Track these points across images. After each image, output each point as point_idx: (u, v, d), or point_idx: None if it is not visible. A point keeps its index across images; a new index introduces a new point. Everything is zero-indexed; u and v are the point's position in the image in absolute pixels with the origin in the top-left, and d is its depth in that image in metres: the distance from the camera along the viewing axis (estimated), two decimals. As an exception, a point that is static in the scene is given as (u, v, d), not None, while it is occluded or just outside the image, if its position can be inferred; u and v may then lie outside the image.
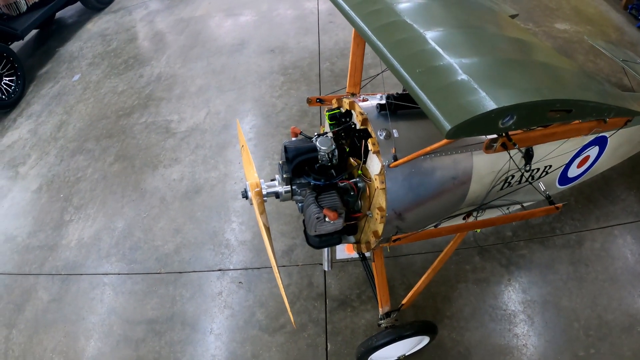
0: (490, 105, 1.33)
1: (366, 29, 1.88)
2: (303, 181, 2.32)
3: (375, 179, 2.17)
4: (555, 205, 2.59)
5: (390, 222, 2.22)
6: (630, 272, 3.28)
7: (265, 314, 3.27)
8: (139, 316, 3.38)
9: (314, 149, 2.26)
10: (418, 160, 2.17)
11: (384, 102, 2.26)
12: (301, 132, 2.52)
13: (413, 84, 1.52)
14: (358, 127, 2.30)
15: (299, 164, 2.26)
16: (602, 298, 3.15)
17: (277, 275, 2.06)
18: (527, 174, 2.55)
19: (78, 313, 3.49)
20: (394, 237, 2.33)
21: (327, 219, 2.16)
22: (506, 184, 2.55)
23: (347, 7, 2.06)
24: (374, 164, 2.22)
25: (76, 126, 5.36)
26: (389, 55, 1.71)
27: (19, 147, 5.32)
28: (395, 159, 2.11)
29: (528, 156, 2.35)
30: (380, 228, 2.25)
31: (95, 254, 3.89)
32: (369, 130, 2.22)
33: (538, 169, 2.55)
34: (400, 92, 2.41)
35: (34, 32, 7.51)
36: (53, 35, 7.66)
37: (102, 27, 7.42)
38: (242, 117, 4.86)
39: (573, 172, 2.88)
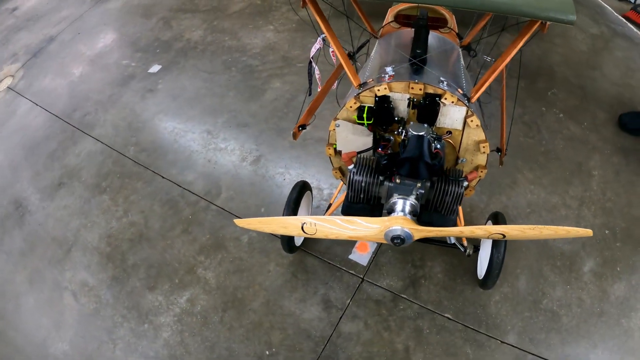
0: None
1: None
2: (410, 181, 2.08)
3: (472, 121, 2.18)
4: None
5: None
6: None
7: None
8: None
9: (423, 139, 2.04)
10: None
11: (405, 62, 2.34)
12: (357, 152, 2.34)
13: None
14: (414, 98, 2.19)
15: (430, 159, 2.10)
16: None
17: None
18: None
19: None
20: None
21: (466, 184, 2.17)
22: None
23: None
24: (451, 114, 2.19)
25: None
26: None
27: None
28: (466, 96, 2.23)
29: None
30: (484, 159, 2.35)
31: None
32: (433, 90, 2.14)
33: None
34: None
35: None
36: None
37: None
38: (111, 260, 3.99)
39: None
